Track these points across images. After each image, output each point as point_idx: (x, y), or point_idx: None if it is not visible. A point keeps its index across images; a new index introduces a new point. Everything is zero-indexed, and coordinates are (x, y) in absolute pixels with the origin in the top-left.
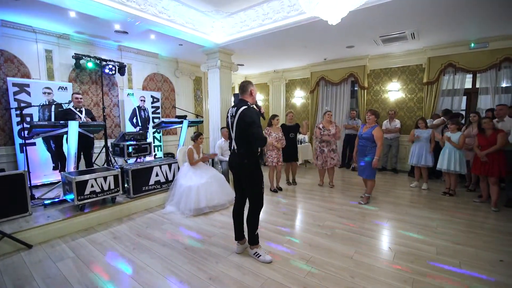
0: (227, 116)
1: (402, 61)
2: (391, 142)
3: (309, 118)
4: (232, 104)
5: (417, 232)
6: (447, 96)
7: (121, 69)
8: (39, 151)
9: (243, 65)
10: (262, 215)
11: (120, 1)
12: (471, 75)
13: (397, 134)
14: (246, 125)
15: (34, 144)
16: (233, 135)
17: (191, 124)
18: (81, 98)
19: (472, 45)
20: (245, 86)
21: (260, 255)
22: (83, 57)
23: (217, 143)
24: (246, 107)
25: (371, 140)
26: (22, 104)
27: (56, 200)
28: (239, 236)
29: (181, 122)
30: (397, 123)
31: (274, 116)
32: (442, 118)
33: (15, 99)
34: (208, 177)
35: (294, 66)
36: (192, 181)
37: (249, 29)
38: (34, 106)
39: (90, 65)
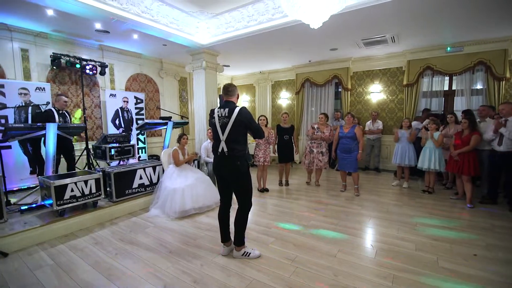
0: (213, 117)
1: (383, 64)
2: (374, 142)
3: (295, 119)
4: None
5: (398, 230)
6: (427, 97)
7: (102, 69)
8: (15, 155)
9: (228, 66)
10: (249, 215)
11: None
12: (448, 78)
13: (380, 135)
14: (248, 122)
15: (9, 147)
16: (223, 136)
17: (176, 125)
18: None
19: (449, 49)
20: (232, 90)
21: (249, 253)
22: (62, 57)
23: (203, 144)
24: (241, 106)
25: (354, 138)
26: None
27: (34, 205)
28: (225, 238)
29: (165, 124)
30: (379, 124)
31: (260, 116)
32: (427, 120)
33: None
34: (194, 179)
35: (280, 67)
36: (177, 183)
37: (234, 30)
38: (9, 107)
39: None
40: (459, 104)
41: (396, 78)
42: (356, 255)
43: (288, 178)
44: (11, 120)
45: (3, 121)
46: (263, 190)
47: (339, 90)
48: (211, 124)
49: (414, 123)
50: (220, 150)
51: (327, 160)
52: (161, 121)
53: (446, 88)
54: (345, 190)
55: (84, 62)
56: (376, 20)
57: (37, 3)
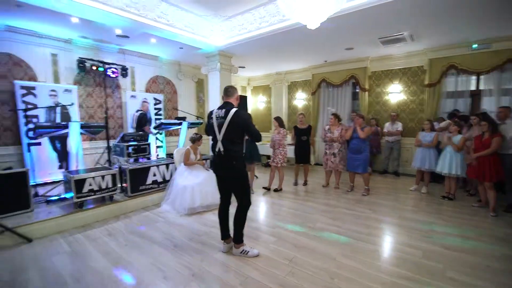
0: (210, 118)
1: (403, 63)
2: (393, 144)
3: (311, 120)
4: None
5: (408, 236)
6: (451, 98)
7: (124, 71)
8: (46, 150)
9: (244, 67)
10: (254, 215)
11: (119, 7)
12: (475, 77)
13: (399, 137)
14: (245, 125)
15: (39, 144)
16: (220, 136)
17: (190, 125)
18: None
19: (474, 46)
20: (231, 90)
21: (247, 251)
22: (87, 61)
23: None
24: (238, 108)
25: (364, 139)
26: (29, 106)
27: (58, 197)
28: (224, 236)
29: (180, 124)
30: (399, 125)
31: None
32: (448, 121)
33: (22, 101)
34: (203, 177)
35: (295, 68)
36: (187, 180)
37: (247, 32)
38: (40, 107)
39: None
40: (487, 105)
41: (418, 78)
42: (357, 259)
43: (306, 178)
44: (41, 119)
45: (34, 120)
46: (276, 190)
47: (357, 90)
48: (209, 124)
49: (434, 123)
50: (217, 149)
51: (339, 161)
52: (176, 121)
53: (473, 88)
54: (351, 191)
55: (107, 66)
56: (391, 17)
57: (62, 12)
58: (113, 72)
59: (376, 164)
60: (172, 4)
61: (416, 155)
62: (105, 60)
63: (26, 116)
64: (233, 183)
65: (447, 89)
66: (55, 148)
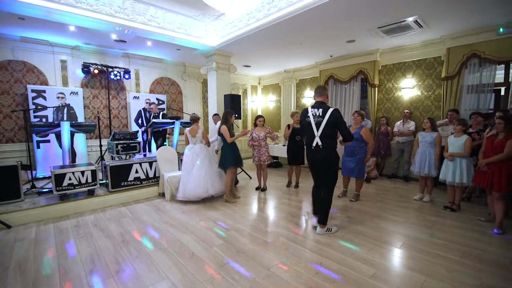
0: (307, 116)
1: (417, 54)
2: (404, 146)
3: None
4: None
5: (370, 250)
6: (471, 93)
7: (126, 74)
8: (54, 147)
9: (249, 66)
10: (221, 216)
11: (109, 13)
12: (503, 67)
13: (411, 137)
14: (339, 124)
15: (48, 141)
16: (317, 133)
17: (184, 125)
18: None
19: (501, 30)
20: (322, 90)
21: (331, 229)
22: (91, 65)
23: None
24: (334, 108)
25: (359, 140)
26: (39, 107)
27: (48, 190)
28: (316, 211)
29: (173, 123)
30: (411, 124)
31: (258, 116)
32: (446, 119)
33: (33, 103)
34: (194, 173)
35: (303, 65)
36: (195, 171)
37: (237, 29)
38: (49, 107)
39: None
40: None
41: (433, 70)
42: (295, 271)
43: (298, 180)
44: (50, 119)
45: (44, 120)
46: (262, 189)
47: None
48: (305, 122)
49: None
50: (314, 144)
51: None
52: (168, 120)
53: (500, 80)
54: (342, 196)
55: (110, 69)
56: (384, 2)
57: (59, 22)
58: (115, 75)
59: (385, 167)
60: (159, 7)
61: (415, 158)
62: (111, 64)
63: (25, 116)
64: (326, 170)
65: (468, 83)
66: (61, 145)
